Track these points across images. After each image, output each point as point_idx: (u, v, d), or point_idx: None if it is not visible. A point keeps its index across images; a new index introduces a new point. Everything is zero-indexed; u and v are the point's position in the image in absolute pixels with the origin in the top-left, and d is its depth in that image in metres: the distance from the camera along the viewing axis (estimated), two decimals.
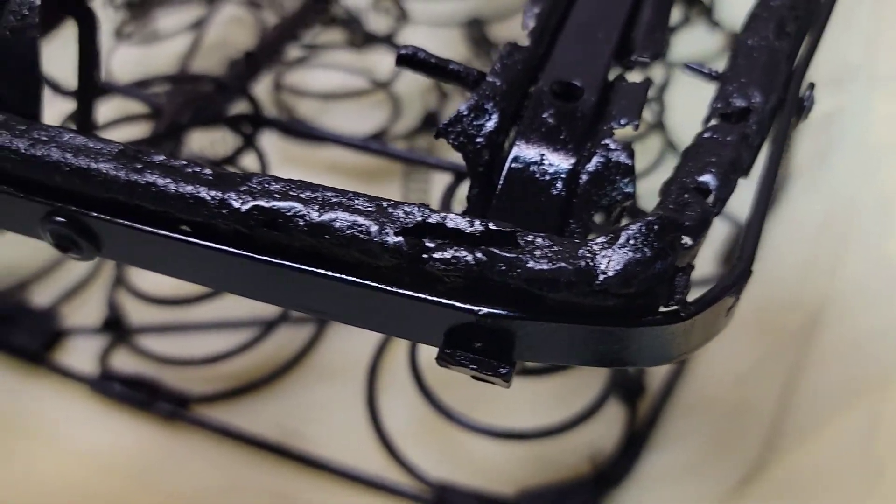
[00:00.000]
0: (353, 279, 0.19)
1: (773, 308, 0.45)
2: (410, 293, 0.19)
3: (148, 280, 0.44)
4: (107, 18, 0.59)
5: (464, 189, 0.46)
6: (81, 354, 0.43)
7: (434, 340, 0.20)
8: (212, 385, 0.42)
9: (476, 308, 0.18)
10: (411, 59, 0.23)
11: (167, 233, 0.20)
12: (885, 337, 0.42)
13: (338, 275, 0.19)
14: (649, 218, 0.18)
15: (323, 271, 0.19)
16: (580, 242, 0.18)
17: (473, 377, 0.20)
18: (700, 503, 0.37)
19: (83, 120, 0.28)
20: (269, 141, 0.52)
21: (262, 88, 0.56)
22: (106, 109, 0.48)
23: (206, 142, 0.40)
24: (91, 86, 0.28)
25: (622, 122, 0.22)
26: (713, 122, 0.22)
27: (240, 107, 0.42)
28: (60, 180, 0.21)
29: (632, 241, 0.18)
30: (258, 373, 0.42)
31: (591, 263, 0.18)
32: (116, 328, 0.44)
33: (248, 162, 0.44)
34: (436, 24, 0.63)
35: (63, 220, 0.21)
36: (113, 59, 0.58)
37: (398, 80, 0.57)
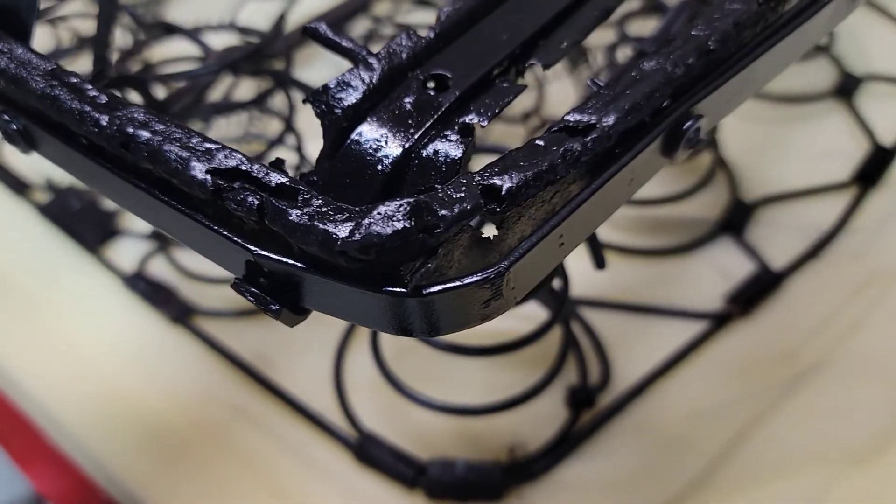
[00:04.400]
0: (174, 203, 0.23)
1: (765, 356, 0.44)
2: (210, 225, 0.22)
3: None
4: None
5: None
6: (126, 255, 0.50)
7: (236, 270, 0.23)
8: (217, 303, 0.47)
9: (253, 248, 0.21)
10: (314, 33, 0.26)
11: (65, 141, 0.25)
12: (860, 413, 0.40)
13: (164, 197, 0.23)
14: (410, 199, 0.20)
15: (156, 193, 0.23)
16: (349, 210, 0.20)
17: (261, 310, 0.23)
18: None
19: (100, 48, 0.33)
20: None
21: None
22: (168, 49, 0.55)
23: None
24: (110, 15, 0.33)
25: (470, 118, 0.24)
26: (555, 130, 0.23)
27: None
28: (3, 84, 0.25)
29: (381, 214, 0.20)
30: None
31: (337, 227, 0.20)
32: (161, 238, 0.50)
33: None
34: None
35: (8, 118, 0.26)
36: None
37: None
